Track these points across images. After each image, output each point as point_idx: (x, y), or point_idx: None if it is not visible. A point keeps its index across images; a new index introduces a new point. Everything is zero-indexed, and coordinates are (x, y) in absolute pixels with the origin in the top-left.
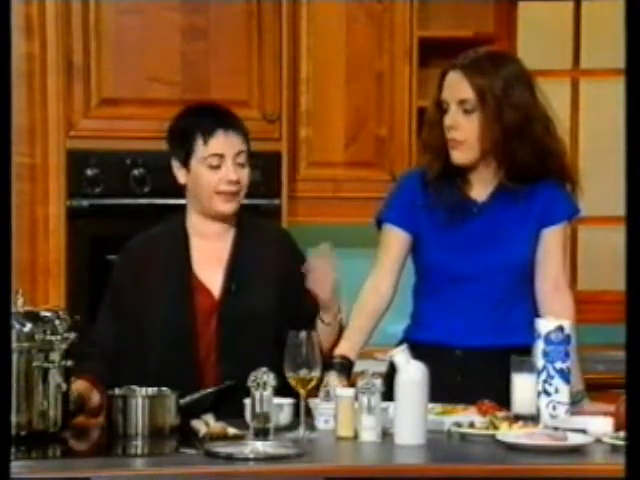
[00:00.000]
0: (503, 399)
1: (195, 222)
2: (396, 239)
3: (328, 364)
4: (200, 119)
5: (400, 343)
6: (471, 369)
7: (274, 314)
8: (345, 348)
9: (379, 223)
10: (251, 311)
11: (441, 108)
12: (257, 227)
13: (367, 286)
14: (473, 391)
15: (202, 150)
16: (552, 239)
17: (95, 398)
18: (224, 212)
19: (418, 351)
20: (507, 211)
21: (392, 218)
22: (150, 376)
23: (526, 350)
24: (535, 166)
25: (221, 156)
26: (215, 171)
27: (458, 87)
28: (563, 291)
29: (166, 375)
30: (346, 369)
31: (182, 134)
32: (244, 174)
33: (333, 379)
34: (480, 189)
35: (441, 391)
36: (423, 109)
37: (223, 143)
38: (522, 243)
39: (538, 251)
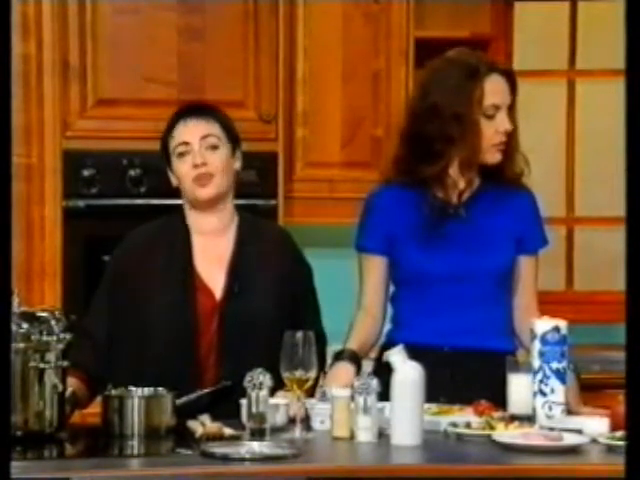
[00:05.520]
0: (492, 398)
1: (192, 219)
2: (376, 266)
3: (337, 355)
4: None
5: (386, 346)
6: (459, 367)
7: (275, 316)
8: (354, 345)
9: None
10: (253, 313)
11: (478, 112)
12: (258, 226)
13: (357, 320)
14: (463, 389)
15: (172, 144)
16: (527, 268)
17: (84, 397)
18: (203, 197)
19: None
20: (484, 212)
21: (369, 247)
22: (148, 375)
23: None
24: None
25: (186, 143)
26: (185, 159)
27: (505, 92)
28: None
29: (165, 374)
30: (356, 361)
31: (162, 140)
32: (215, 156)
33: (342, 366)
34: (455, 191)
35: (430, 389)
36: None
37: (183, 131)
38: (501, 247)
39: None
